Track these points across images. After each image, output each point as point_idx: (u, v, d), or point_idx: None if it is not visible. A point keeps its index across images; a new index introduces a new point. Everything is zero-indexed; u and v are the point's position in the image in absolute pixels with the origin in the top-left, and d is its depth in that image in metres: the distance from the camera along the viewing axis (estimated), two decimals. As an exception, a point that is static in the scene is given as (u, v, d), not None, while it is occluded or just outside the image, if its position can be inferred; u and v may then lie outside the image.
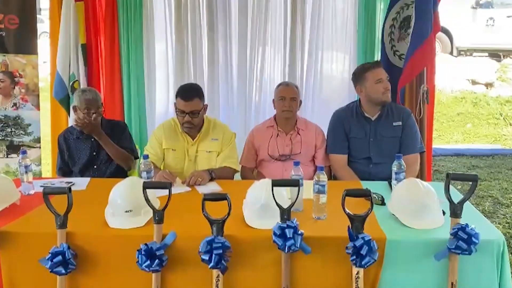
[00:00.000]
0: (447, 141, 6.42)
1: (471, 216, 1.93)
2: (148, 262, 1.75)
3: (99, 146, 2.87)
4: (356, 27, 3.64)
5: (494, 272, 1.80)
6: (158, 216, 1.82)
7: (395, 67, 3.18)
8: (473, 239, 1.71)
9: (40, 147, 3.82)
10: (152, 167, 2.43)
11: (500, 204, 4.10)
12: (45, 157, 4.01)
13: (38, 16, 3.80)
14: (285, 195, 1.93)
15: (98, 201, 2.11)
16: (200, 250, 1.73)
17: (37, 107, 3.77)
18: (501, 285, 1.81)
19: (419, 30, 2.95)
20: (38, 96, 3.77)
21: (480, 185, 4.52)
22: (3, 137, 3.74)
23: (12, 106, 3.71)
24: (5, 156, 3.77)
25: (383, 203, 2.13)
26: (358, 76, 2.84)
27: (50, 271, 1.78)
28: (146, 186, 1.86)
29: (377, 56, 3.56)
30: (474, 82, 8.94)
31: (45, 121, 3.85)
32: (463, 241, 1.71)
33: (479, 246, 1.73)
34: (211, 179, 2.56)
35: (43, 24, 6.39)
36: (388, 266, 1.79)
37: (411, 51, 2.98)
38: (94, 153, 2.88)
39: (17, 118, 3.75)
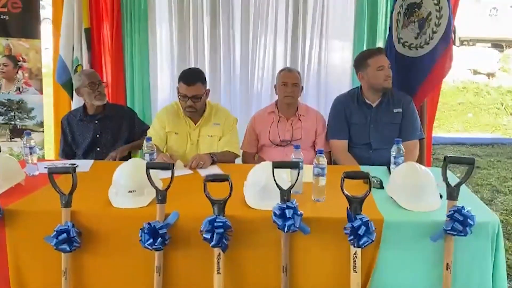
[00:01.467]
0: (447, 130, 6.46)
1: (468, 200, 1.96)
2: (151, 240, 1.79)
3: (102, 129, 2.92)
4: (357, 16, 3.64)
5: (489, 254, 1.83)
6: (161, 196, 1.85)
7: (400, 55, 3.18)
8: (469, 221, 1.74)
9: (43, 131, 3.85)
10: (155, 149, 2.46)
11: (498, 192, 4.14)
12: (48, 142, 4.05)
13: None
14: (285, 177, 1.96)
15: (101, 182, 2.14)
16: (202, 229, 1.77)
17: (40, 91, 3.80)
18: (495, 266, 1.85)
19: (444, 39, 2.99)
20: (41, 80, 3.80)
21: (479, 173, 4.56)
22: (6, 121, 3.78)
23: (16, 90, 3.75)
24: (9, 139, 3.81)
25: (381, 186, 2.16)
26: (360, 62, 2.85)
27: (55, 249, 1.82)
28: (149, 166, 1.90)
29: (378, 45, 3.57)
30: (476, 72, 8.95)
31: (46, 107, 3.88)
32: (459, 222, 1.74)
33: (474, 228, 1.76)
34: (213, 163, 2.60)
35: (44, 10, 6.38)
36: (385, 246, 1.82)
37: (432, 59, 3.03)
38: (97, 136, 2.92)
39: (20, 102, 3.78)
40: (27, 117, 3.82)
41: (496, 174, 4.58)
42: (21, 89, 3.76)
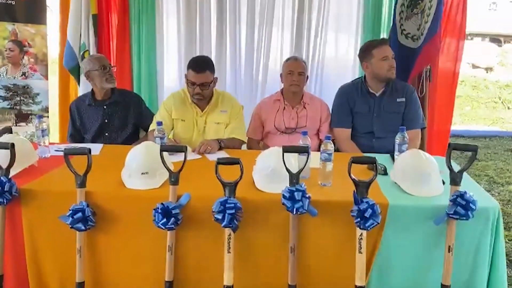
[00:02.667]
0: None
1: (469, 186, 2.03)
2: (164, 220, 1.85)
3: (111, 115, 2.97)
4: (362, 9, 3.69)
5: (488, 238, 1.91)
6: (174, 178, 1.91)
7: (403, 46, 3.24)
8: (471, 205, 1.81)
9: (48, 117, 3.89)
10: (166, 133, 2.51)
11: (495, 183, 4.23)
12: (52, 128, 4.08)
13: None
14: (293, 163, 2.02)
15: (113, 165, 2.20)
16: (213, 210, 1.83)
17: (46, 77, 3.83)
18: (494, 249, 1.93)
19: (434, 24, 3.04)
20: (46, 66, 3.82)
21: (477, 165, 4.65)
22: (12, 106, 3.81)
23: (21, 75, 3.78)
24: (14, 124, 3.84)
25: (385, 173, 2.23)
26: (365, 52, 2.91)
27: (70, 227, 1.88)
28: (163, 149, 1.96)
29: (382, 36, 3.62)
30: (474, 66, 9.02)
31: (51, 93, 3.91)
32: (462, 207, 1.81)
33: (475, 212, 1.83)
34: (220, 148, 2.66)
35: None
36: (389, 229, 1.89)
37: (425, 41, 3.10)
38: (106, 121, 2.97)
39: (26, 87, 3.81)
40: (32, 102, 3.85)
41: (493, 166, 4.67)
42: (26, 74, 3.79)
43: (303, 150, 1.98)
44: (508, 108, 7.03)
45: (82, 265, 1.93)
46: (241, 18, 3.78)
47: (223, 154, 2.59)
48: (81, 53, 3.48)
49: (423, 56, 3.17)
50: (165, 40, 3.80)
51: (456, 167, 1.96)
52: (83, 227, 1.89)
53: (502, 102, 7.23)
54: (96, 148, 2.62)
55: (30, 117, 3.83)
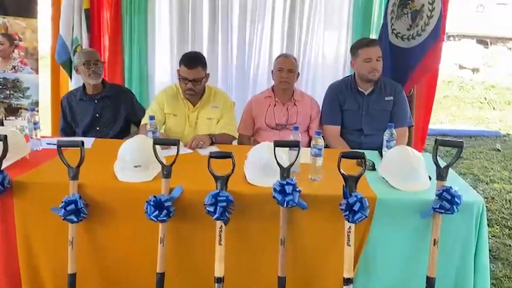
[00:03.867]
0: (433, 122, 6.61)
1: (455, 182, 2.08)
2: (157, 212, 1.87)
3: (102, 109, 2.98)
4: (352, 7, 3.73)
5: (473, 232, 1.97)
6: (167, 171, 1.93)
7: (394, 46, 3.29)
8: (456, 200, 1.87)
9: (38, 111, 3.87)
10: (158, 127, 2.53)
11: (480, 181, 4.32)
12: (42, 122, 4.06)
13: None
14: (284, 157, 2.05)
15: (105, 158, 2.21)
16: (205, 202, 1.86)
17: (36, 71, 3.80)
18: (478, 243, 1.99)
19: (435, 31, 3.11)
20: (37, 60, 3.80)
21: (463, 163, 4.74)
22: (1, 100, 3.78)
23: (11, 69, 3.75)
24: (4, 118, 3.82)
25: (373, 168, 2.28)
26: (353, 50, 2.96)
27: (63, 219, 1.89)
28: (156, 142, 1.98)
29: (372, 35, 3.67)
30: (461, 67, 9.16)
31: (42, 87, 3.89)
32: (447, 201, 1.87)
33: (460, 207, 1.89)
34: (212, 144, 2.69)
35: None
36: (377, 222, 1.94)
37: (422, 51, 3.15)
38: (97, 115, 2.98)
39: (16, 81, 3.78)
40: (22, 96, 3.82)
41: (478, 164, 4.76)
42: (16, 68, 3.76)
43: (294, 145, 2.02)
44: (494, 108, 7.16)
45: (74, 256, 1.94)
46: (233, 14, 3.80)
47: (214, 149, 2.62)
48: (74, 48, 3.47)
49: (428, 61, 3.20)
50: (157, 35, 3.81)
51: (442, 163, 2.01)
52: (75, 219, 1.90)
53: (488, 102, 7.36)
54: (87, 142, 2.61)
55: (20, 111, 3.81)
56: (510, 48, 10.26)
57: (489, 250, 2.69)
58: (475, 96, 7.69)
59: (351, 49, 3.01)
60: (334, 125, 3.00)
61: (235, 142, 3.06)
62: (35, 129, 2.41)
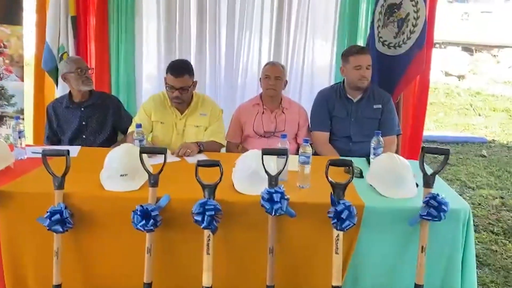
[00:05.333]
0: (419, 128, 6.68)
1: (442, 189, 2.10)
2: (143, 222, 1.85)
3: (88, 117, 2.95)
4: (338, 15, 3.76)
5: (460, 238, 1.98)
6: (153, 180, 1.92)
7: (381, 54, 3.31)
8: (443, 207, 1.88)
9: (23, 119, 3.82)
10: (145, 135, 2.52)
11: (467, 187, 4.36)
12: (28, 130, 4.01)
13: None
14: (272, 165, 2.05)
15: (91, 167, 2.19)
16: (193, 211, 1.85)
17: (21, 78, 3.75)
18: (465, 249, 2.00)
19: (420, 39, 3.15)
20: (22, 67, 3.75)
21: (449, 169, 4.78)
22: (-14, 107, 3.73)
23: (-4, 77, 3.70)
24: (-12, 126, 3.76)
25: (361, 175, 2.28)
26: (344, 57, 2.98)
27: (48, 229, 1.87)
28: (143, 151, 1.96)
29: (359, 43, 3.69)
30: (447, 74, 9.27)
31: (27, 95, 3.84)
32: (434, 208, 1.88)
33: (447, 214, 1.90)
34: (200, 152, 2.67)
35: None
36: (365, 230, 1.95)
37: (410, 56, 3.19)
38: (83, 123, 2.95)
39: (0, 89, 3.73)
40: (7, 103, 3.77)
41: (465, 171, 4.81)
42: (1, 76, 3.71)
43: (282, 153, 2.02)
44: (479, 114, 7.25)
45: (59, 267, 1.91)
46: (221, 22, 3.80)
47: (202, 157, 2.60)
48: (60, 55, 3.44)
49: (413, 68, 3.24)
50: (144, 43, 3.79)
51: (429, 170, 2.02)
52: (60, 229, 1.88)
53: (473, 109, 7.46)
54: (74, 150, 2.59)
55: (4, 119, 3.76)
56: (494, 55, 10.43)
57: (476, 256, 2.71)
58: (461, 102, 7.78)
59: (342, 55, 3.03)
60: (323, 131, 3.01)
61: (223, 150, 3.05)
62: (19, 137, 2.38)
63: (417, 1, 3.17)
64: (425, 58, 3.27)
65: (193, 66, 2.91)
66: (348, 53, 2.95)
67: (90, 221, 1.97)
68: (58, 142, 3.01)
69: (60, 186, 1.91)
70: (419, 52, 3.20)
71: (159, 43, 3.80)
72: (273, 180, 1.92)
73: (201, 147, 2.68)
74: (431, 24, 3.28)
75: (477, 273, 2.12)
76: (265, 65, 3.11)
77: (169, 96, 2.82)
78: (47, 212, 1.87)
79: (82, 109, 2.95)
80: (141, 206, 1.86)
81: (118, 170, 2.02)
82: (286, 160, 2.00)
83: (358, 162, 2.46)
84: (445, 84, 8.66)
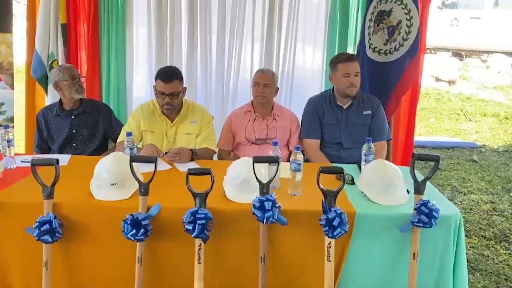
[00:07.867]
0: (411, 134, 6.71)
1: (433, 195, 2.11)
2: (134, 231, 1.84)
3: (79, 125, 2.93)
4: (329, 22, 3.77)
5: (451, 244, 1.99)
6: (144, 188, 1.91)
7: (371, 60, 3.33)
8: (434, 213, 1.89)
9: (13, 127, 3.78)
10: (135, 144, 2.50)
11: (458, 192, 4.38)
12: (18, 138, 3.98)
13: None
14: (263, 173, 2.05)
15: (81, 176, 2.17)
16: (184, 220, 1.84)
17: (11, 86, 3.72)
18: (456, 255, 2.01)
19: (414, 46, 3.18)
20: (12, 75, 3.72)
21: (441, 174, 4.80)
22: (-25, 115, 3.70)
23: (-15, 84, 3.67)
24: (-23, 134, 3.72)
25: (353, 182, 2.29)
26: (332, 65, 2.99)
27: (37, 239, 1.85)
28: (133, 159, 1.95)
29: (349, 50, 3.71)
30: (437, 79, 9.32)
31: (17, 103, 3.81)
32: (425, 215, 1.88)
33: (438, 220, 1.91)
34: (192, 159, 2.65)
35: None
36: (356, 237, 1.95)
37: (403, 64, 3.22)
38: (74, 131, 2.93)
39: (-11, 97, 3.70)
40: (-4, 111, 3.75)
41: (456, 176, 4.83)
42: (-9, 83, 3.69)
43: (273, 160, 2.02)
44: (470, 120, 7.30)
45: (49, 278, 1.89)
46: (212, 29, 3.80)
47: (194, 165, 2.59)
48: (50, 63, 3.42)
49: (409, 75, 3.26)
50: (135, 50, 3.78)
51: (420, 177, 2.03)
52: (50, 240, 1.86)
53: (464, 114, 7.50)
54: (64, 159, 2.58)
55: (3, 125, 3.72)
56: (484, 61, 10.52)
57: (468, 262, 2.73)
58: (452, 107, 7.82)
59: (330, 63, 3.03)
60: (314, 138, 3.01)
61: (215, 157, 3.04)
62: (9, 146, 2.35)
63: (409, 9, 3.19)
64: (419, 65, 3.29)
65: (184, 74, 2.92)
66: (336, 61, 2.96)
67: (80, 230, 1.95)
68: (48, 151, 2.99)
69: (50, 195, 1.90)
70: (414, 59, 3.22)
71: (150, 51, 3.79)
72: (264, 188, 1.92)
73: (193, 156, 2.66)
74: (423, 30, 3.30)
75: (468, 279, 2.12)
76: (256, 72, 3.12)
77: (159, 103, 2.80)
78: (36, 222, 1.85)
79: (73, 117, 2.94)
80: (132, 215, 1.85)
81: (108, 179, 2.01)
82: (278, 168, 2.00)
83: (349, 169, 2.47)
84: (436, 90, 8.71)
